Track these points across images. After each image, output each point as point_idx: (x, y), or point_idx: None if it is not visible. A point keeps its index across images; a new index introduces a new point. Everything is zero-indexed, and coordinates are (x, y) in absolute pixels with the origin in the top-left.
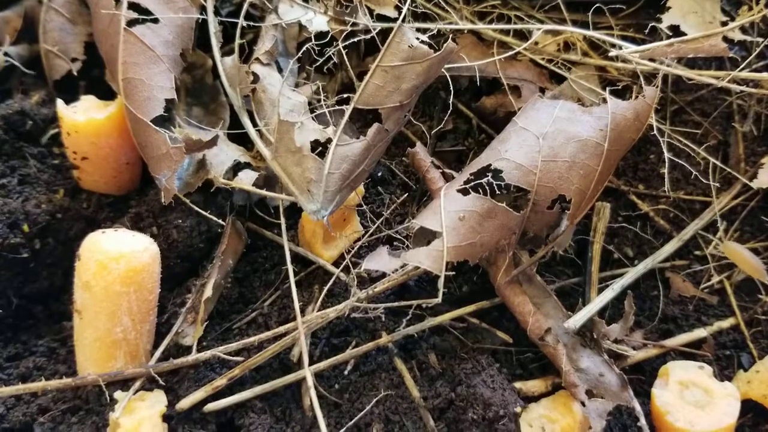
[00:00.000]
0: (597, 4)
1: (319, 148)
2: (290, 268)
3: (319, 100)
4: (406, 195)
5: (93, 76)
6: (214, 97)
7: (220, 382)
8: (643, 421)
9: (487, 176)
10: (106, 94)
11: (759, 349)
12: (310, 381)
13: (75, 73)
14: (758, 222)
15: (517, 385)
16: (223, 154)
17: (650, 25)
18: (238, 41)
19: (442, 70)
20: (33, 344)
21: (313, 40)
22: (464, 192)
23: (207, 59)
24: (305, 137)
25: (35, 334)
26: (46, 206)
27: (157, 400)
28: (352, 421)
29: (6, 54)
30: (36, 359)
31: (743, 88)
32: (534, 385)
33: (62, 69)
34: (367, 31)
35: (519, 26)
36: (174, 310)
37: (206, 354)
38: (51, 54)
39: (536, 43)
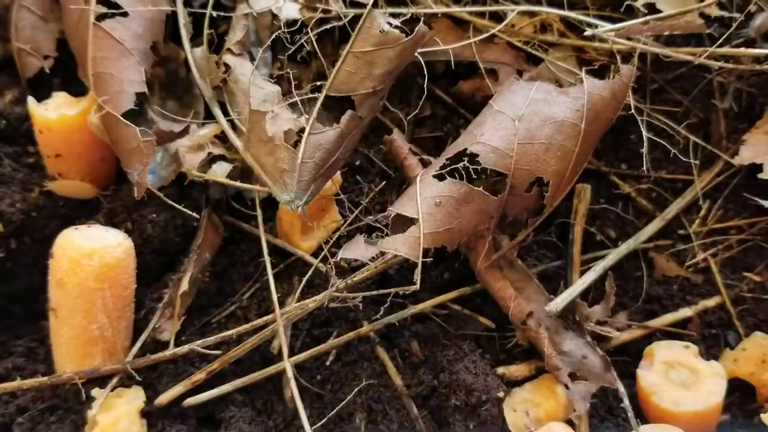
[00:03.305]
0: None
1: (295, 138)
2: (267, 260)
3: (292, 90)
4: (384, 183)
5: (67, 73)
6: (187, 90)
7: (199, 376)
8: (626, 402)
9: (464, 161)
10: (81, 90)
11: (745, 328)
12: (290, 372)
13: (47, 71)
14: (741, 199)
15: (501, 370)
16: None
17: (626, 3)
18: (206, 31)
19: (416, 55)
20: (11, 344)
21: (284, 28)
22: (440, 177)
23: (180, 52)
24: (278, 127)
25: (14, 334)
26: (21, 205)
27: (135, 397)
28: (334, 411)
29: None
30: (15, 359)
31: (722, 64)
32: (517, 370)
33: (34, 67)
34: (340, 18)
35: (494, 8)
36: (151, 306)
37: (184, 348)
38: (23, 52)
39: (512, 26)
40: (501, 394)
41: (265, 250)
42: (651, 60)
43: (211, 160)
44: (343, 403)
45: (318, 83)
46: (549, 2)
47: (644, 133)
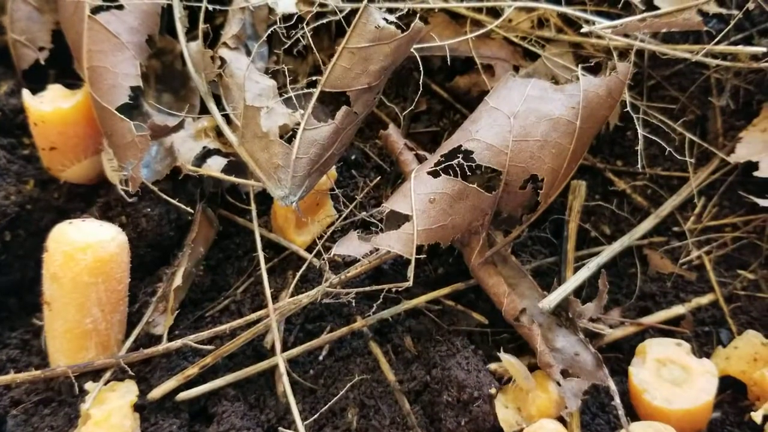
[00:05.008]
0: None
1: (290, 133)
2: (261, 254)
3: (288, 84)
4: (379, 178)
5: (62, 65)
6: (183, 82)
7: (192, 370)
8: (617, 400)
9: (458, 157)
10: (77, 82)
11: (738, 325)
12: (282, 367)
13: (42, 62)
14: (737, 197)
15: (493, 366)
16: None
17: None
18: (201, 25)
19: (412, 50)
20: (6, 336)
21: (280, 22)
22: (434, 174)
23: (176, 45)
24: (273, 122)
25: (8, 326)
26: (16, 197)
27: (128, 390)
28: (327, 406)
29: None
30: (9, 351)
31: (719, 61)
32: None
33: (30, 58)
34: (336, 12)
35: (491, 3)
36: (145, 300)
37: (177, 343)
38: (18, 44)
39: (510, 21)
40: (493, 391)
41: (259, 245)
42: (648, 56)
43: (206, 154)
44: (336, 398)
45: (314, 78)
46: None
47: (640, 130)
